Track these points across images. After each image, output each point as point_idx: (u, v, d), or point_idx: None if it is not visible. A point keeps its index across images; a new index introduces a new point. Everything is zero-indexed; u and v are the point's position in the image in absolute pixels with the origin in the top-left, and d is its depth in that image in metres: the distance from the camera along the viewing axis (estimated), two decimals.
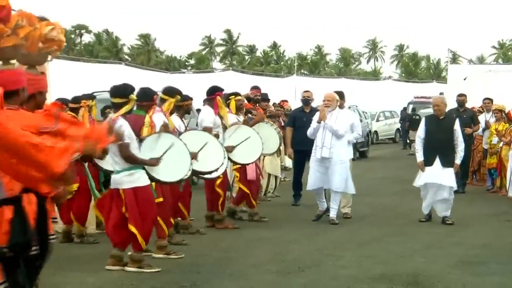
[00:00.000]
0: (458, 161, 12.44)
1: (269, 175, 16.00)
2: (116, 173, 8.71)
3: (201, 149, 10.24)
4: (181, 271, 8.84)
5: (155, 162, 8.82)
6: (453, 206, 12.54)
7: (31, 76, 6.56)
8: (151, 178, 8.86)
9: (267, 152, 13.15)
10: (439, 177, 12.28)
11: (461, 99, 17.45)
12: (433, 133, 12.47)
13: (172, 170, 9.07)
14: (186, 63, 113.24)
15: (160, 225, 9.64)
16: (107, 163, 9.29)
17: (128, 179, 8.65)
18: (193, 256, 9.75)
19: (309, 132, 12.70)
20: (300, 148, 14.37)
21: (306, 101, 15.07)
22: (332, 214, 12.54)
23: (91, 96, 11.77)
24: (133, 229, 8.65)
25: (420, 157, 12.55)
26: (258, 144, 12.05)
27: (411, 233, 11.56)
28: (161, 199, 9.51)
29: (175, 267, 9.06)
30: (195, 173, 10.41)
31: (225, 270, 8.92)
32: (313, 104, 15.33)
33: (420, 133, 12.73)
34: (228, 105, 12.55)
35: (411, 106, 39.93)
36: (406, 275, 8.68)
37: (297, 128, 14.70)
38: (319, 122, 12.45)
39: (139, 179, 8.71)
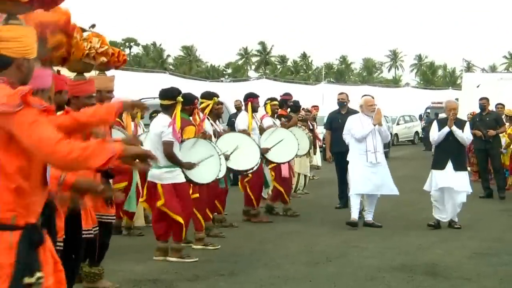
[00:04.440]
0: (458, 132, 11.31)
1: (299, 174, 15.97)
2: (156, 168, 8.59)
3: (233, 150, 10.29)
4: (220, 261, 8.86)
5: (189, 166, 8.79)
6: (468, 203, 11.92)
7: (70, 82, 6.55)
8: (185, 177, 8.88)
9: (298, 154, 12.93)
10: (454, 181, 11.24)
11: (482, 102, 16.39)
12: (446, 136, 11.45)
13: (204, 173, 9.02)
14: (224, 72, 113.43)
15: (198, 218, 9.65)
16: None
17: (169, 175, 8.66)
18: (231, 247, 9.77)
19: (362, 135, 11.49)
20: (338, 150, 13.25)
21: (342, 103, 14.04)
22: (370, 217, 11.67)
23: None
24: (179, 219, 8.65)
25: (443, 131, 11.39)
26: (294, 145, 12.02)
27: (429, 227, 11.45)
28: (197, 195, 9.51)
29: (214, 257, 9.09)
30: (231, 171, 10.45)
31: (260, 260, 8.93)
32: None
33: (433, 134, 11.66)
34: (265, 109, 12.75)
35: (429, 111, 39.71)
36: (425, 265, 8.63)
37: (334, 130, 13.79)
38: (375, 125, 11.54)
39: (178, 176, 8.73)
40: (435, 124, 11.89)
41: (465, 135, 11.47)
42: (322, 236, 10.75)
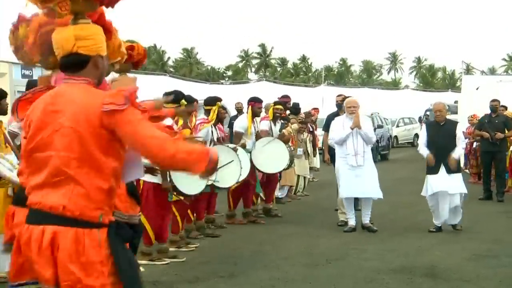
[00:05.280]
0: (455, 155, 11.06)
1: (298, 175, 15.97)
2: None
3: (221, 166, 10.23)
4: (219, 263, 8.86)
5: (166, 185, 8.58)
6: (467, 204, 11.97)
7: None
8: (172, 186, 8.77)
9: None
10: (448, 185, 11.04)
11: (494, 104, 16.11)
12: (435, 139, 11.24)
13: (191, 184, 8.94)
14: (224, 74, 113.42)
15: (177, 221, 9.57)
16: None
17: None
18: (231, 249, 9.77)
19: (339, 138, 11.31)
20: None
21: (340, 105, 13.31)
22: (367, 220, 11.39)
23: None
24: (144, 221, 8.45)
25: (426, 152, 11.26)
26: (284, 159, 12.12)
27: (429, 228, 11.42)
28: (181, 197, 9.43)
29: (214, 259, 9.08)
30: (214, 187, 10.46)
31: (260, 262, 8.93)
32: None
33: (421, 139, 11.53)
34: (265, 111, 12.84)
35: (428, 113, 39.73)
36: (424, 267, 8.61)
37: None
38: (352, 128, 11.20)
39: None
40: (424, 128, 11.70)
41: (458, 142, 11.25)
42: (322, 238, 10.73)
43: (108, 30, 5.36)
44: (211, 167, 3.51)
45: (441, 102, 12.12)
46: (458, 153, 11.29)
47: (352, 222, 11.41)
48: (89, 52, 3.58)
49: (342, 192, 11.47)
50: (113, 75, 7.56)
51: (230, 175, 10.52)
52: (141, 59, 7.42)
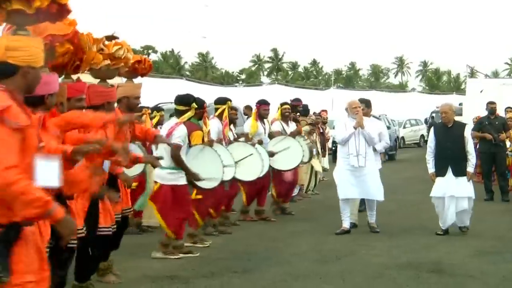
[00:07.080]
0: (470, 169, 10.61)
1: (310, 174, 15.92)
2: (160, 168, 8.43)
3: (241, 159, 10.29)
4: (234, 259, 8.86)
5: (194, 176, 8.65)
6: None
7: (101, 89, 6.70)
8: (189, 181, 8.79)
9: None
10: (455, 189, 10.57)
11: (492, 106, 15.99)
12: (443, 142, 10.71)
13: (207, 178, 8.96)
14: (238, 78, 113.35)
15: (195, 218, 9.54)
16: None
17: (170, 177, 8.58)
18: (244, 246, 9.78)
19: (343, 137, 10.80)
20: None
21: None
22: (372, 220, 11.02)
23: (158, 108, 12.00)
24: (159, 219, 8.68)
25: (431, 168, 10.85)
26: (298, 154, 12.12)
27: (434, 226, 11.32)
28: (200, 196, 9.45)
29: (229, 255, 9.09)
30: (237, 180, 10.50)
31: (272, 258, 8.92)
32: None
33: (430, 143, 11.00)
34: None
35: (433, 115, 39.63)
36: (430, 263, 8.58)
37: None
38: (356, 128, 10.78)
39: (180, 178, 8.64)
40: (432, 131, 11.29)
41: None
42: (331, 235, 10.70)
43: (79, 47, 5.53)
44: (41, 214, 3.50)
45: (447, 104, 11.65)
46: (472, 166, 10.79)
47: (345, 224, 10.94)
48: (18, 62, 3.59)
49: (340, 193, 10.96)
50: (115, 80, 7.62)
51: (252, 168, 10.58)
52: (146, 72, 7.59)
